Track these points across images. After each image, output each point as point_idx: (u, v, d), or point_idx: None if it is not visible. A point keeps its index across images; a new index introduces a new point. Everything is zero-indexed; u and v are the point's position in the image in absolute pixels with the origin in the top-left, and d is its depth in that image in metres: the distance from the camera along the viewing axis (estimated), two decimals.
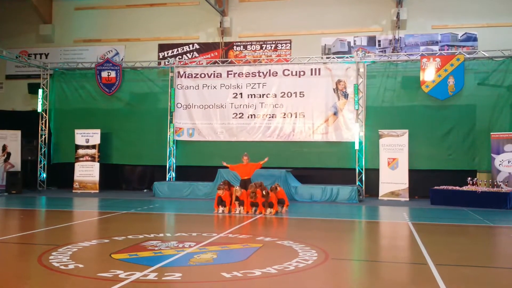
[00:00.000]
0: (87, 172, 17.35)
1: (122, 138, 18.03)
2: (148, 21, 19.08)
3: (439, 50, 16.61)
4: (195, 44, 18.72)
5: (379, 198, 15.42)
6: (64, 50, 19.82)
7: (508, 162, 14.45)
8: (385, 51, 17.16)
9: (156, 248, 7.01)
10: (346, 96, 16.28)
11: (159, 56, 18.87)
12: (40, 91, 18.41)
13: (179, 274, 5.53)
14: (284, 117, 16.73)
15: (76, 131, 17.49)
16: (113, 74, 17.96)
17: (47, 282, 5.35)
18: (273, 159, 16.42)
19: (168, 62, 17.83)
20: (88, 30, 19.70)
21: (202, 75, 17.47)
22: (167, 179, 17.36)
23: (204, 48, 18.63)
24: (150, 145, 17.74)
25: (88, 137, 17.47)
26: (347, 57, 16.62)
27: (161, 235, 8.34)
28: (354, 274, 6.14)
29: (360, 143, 15.97)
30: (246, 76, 17.13)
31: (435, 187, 14.39)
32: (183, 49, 18.75)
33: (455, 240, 8.44)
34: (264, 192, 11.42)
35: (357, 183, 15.77)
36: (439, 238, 8.62)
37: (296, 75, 16.75)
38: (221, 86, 17.28)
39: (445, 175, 15.47)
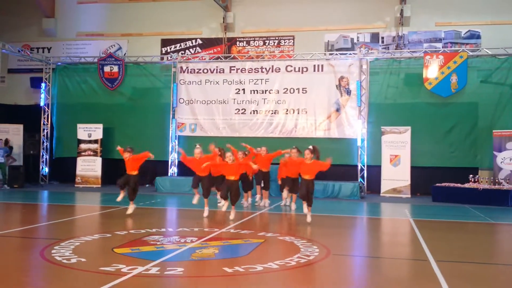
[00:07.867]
0: (89, 166, 17.38)
1: (125, 133, 17.99)
2: (151, 16, 19.03)
3: (442, 47, 16.55)
4: (198, 40, 18.68)
5: (381, 194, 15.42)
6: (66, 44, 19.78)
7: (510, 159, 14.44)
8: (388, 48, 17.12)
9: (158, 243, 7.03)
10: (348, 92, 16.26)
11: (161, 51, 18.83)
12: (42, 85, 18.45)
13: (181, 268, 5.54)
14: (287, 113, 16.73)
15: (79, 125, 17.50)
16: (115, 68, 17.95)
17: (49, 275, 5.38)
18: None
19: (170, 57, 17.82)
20: (90, 24, 19.66)
21: (205, 71, 17.46)
22: (169, 174, 17.38)
23: (207, 43, 18.59)
24: (152, 140, 17.69)
25: (90, 131, 17.48)
26: (350, 54, 16.59)
27: (163, 230, 8.37)
28: (355, 270, 6.15)
29: (362, 139, 15.97)
30: (248, 72, 17.12)
31: (437, 184, 14.38)
32: (186, 44, 18.72)
33: (456, 237, 8.46)
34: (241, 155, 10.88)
35: (359, 180, 15.77)
36: (440, 234, 8.63)
37: (299, 71, 16.73)
38: (223, 82, 17.28)
39: (447, 172, 15.43)
